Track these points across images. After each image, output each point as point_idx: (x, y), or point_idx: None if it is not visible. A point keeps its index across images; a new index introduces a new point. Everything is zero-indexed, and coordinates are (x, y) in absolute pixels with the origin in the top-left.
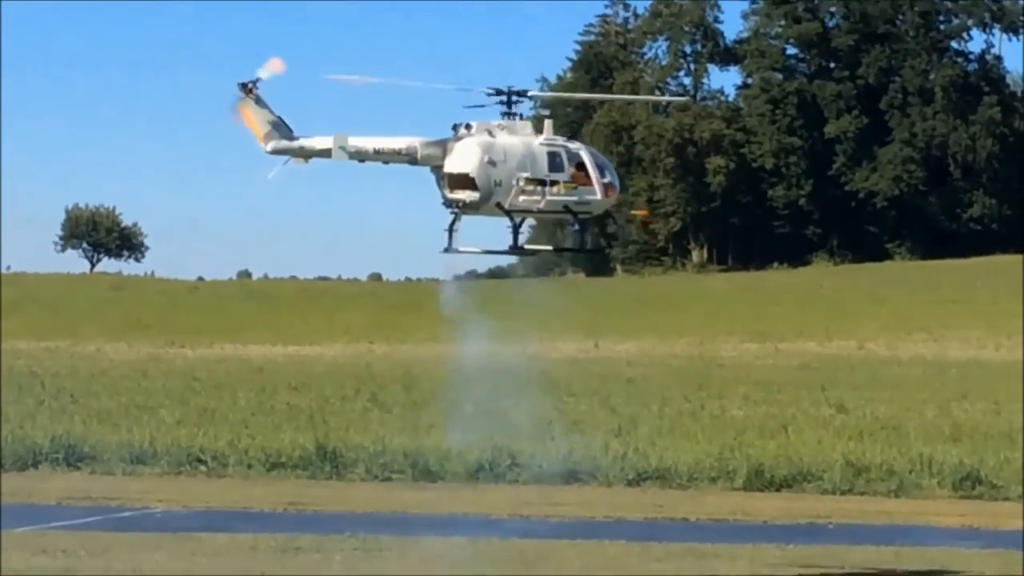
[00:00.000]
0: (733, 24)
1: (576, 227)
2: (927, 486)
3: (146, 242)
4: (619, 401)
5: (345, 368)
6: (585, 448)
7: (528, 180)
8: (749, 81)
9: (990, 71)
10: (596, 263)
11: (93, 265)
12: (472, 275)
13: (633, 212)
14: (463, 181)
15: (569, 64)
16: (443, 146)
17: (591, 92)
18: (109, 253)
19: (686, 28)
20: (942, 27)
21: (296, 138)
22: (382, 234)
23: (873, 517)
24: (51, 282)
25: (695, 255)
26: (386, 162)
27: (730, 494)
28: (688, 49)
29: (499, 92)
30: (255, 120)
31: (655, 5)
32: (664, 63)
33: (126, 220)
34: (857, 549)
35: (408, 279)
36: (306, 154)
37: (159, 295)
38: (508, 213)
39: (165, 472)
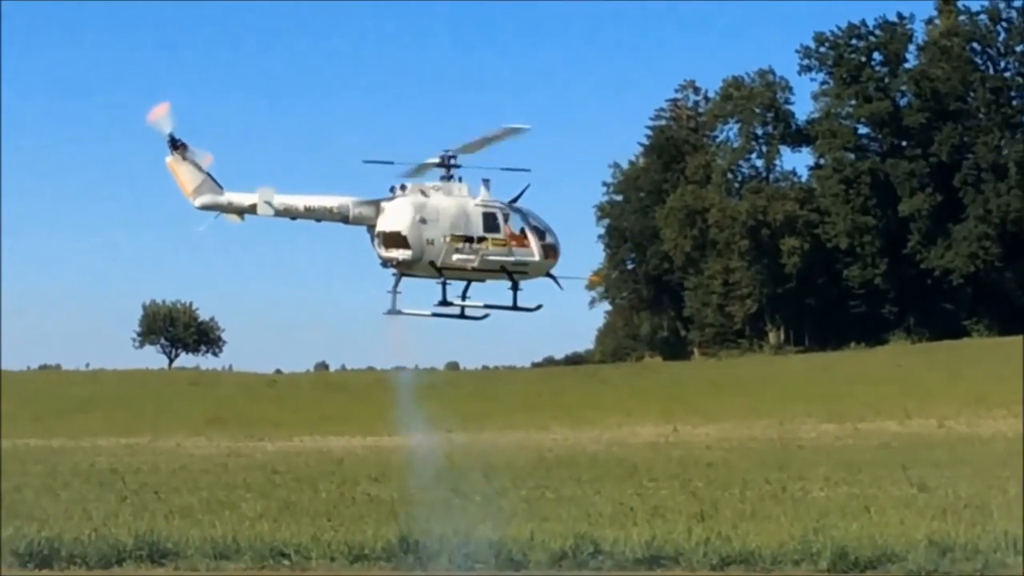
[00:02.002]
0: (804, 105)
1: (511, 287)
2: (1013, 564)
3: (223, 336)
4: (700, 485)
5: (424, 458)
6: (668, 533)
7: (459, 239)
8: (821, 161)
9: None
10: (673, 347)
11: (171, 360)
12: (549, 361)
13: (591, 278)
14: (396, 240)
15: (641, 149)
16: (376, 205)
17: (663, 176)
18: (187, 348)
19: (757, 110)
20: (1014, 102)
21: (224, 193)
22: (458, 323)
23: None
24: (130, 378)
25: (772, 336)
26: (318, 219)
27: None
28: (759, 131)
29: (442, 159)
30: (183, 176)
31: (725, 88)
32: (736, 145)
33: (203, 315)
34: None
35: (485, 367)
36: (235, 209)
37: (237, 389)
38: (440, 271)
39: (249, 567)
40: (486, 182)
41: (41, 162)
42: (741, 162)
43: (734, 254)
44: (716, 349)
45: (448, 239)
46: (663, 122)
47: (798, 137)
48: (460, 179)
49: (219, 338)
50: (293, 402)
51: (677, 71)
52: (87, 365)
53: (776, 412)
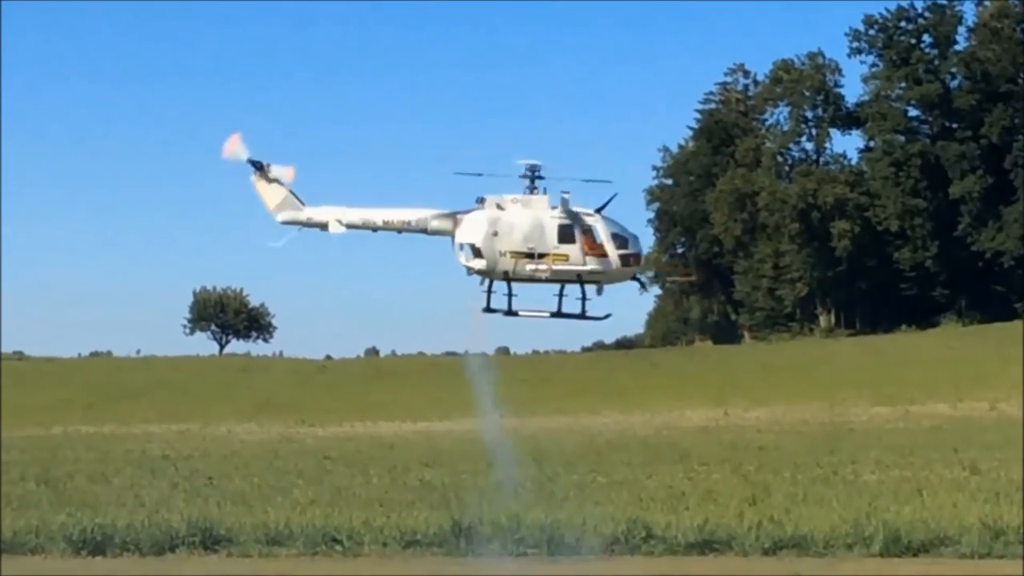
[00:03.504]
0: (854, 87)
1: (580, 295)
2: None
3: (274, 322)
4: (751, 469)
5: (475, 443)
6: (719, 517)
7: (522, 254)
8: (871, 144)
9: None
10: (723, 331)
11: (222, 347)
12: (599, 345)
13: (675, 278)
14: (472, 251)
15: (690, 133)
16: (453, 218)
17: (713, 160)
18: (237, 334)
19: (807, 93)
20: None
21: (304, 209)
22: None
23: None
24: (181, 365)
25: (822, 320)
26: (399, 231)
27: (867, 560)
28: (809, 114)
29: (527, 171)
30: (266, 194)
31: (775, 71)
32: (786, 129)
33: (253, 301)
34: None
35: (535, 352)
36: (314, 224)
37: (288, 375)
38: (508, 280)
39: (301, 553)
40: (565, 194)
41: (91, 148)
42: (791, 145)
43: (784, 237)
44: (766, 333)
45: (511, 254)
46: (712, 105)
47: (848, 120)
48: (545, 190)
49: (269, 324)
50: (343, 388)
51: (727, 54)
52: (138, 352)
53: (827, 395)
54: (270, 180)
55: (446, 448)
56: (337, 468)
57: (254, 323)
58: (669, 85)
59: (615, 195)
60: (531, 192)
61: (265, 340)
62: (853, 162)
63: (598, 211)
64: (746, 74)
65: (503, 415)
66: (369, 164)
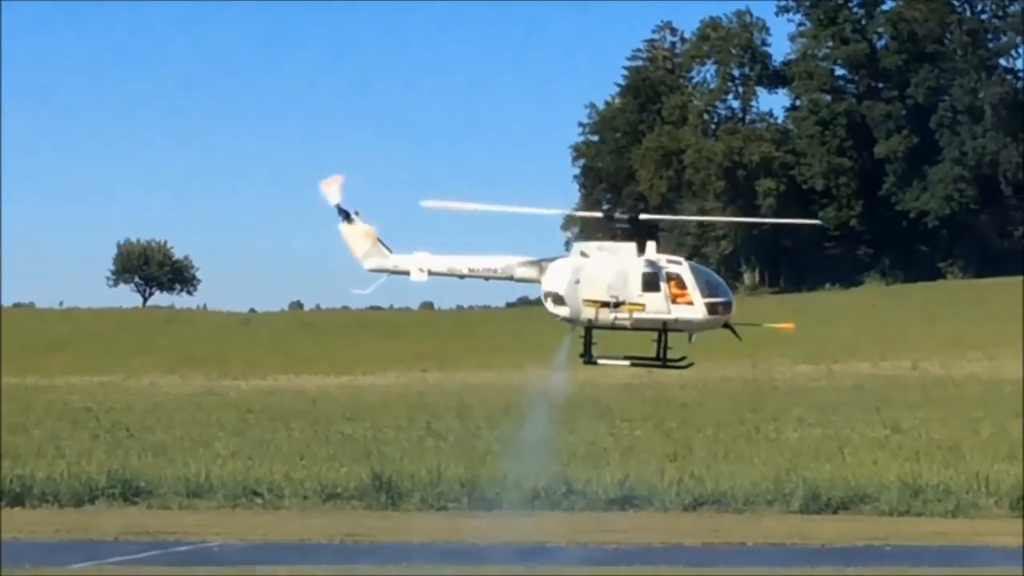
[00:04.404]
0: (781, 46)
1: (660, 341)
2: (984, 506)
3: (198, 275)
4: (673, 426)
5: (398, 398)
6: (641, 474)
7: (597, 303)
8: (798, 103)
9: None
10: None
11: (146, 299)
12: (524, 301)
13: (777, 326)
14: (556, 299)
15: (617, 89)
16: (539, 266)
17: (639, 117)
18: (161, 287)
19: (734, 51)
20: (990, 45)
21: (390, 256)
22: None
23: (930, 538)
24: (104, 317)
25: (746, 278)
26: (485, 279)
27: (787, 517)
28: (736, 72)
29: (608, 216)
30: (353, 241)
31: (702, 29)
32: (712, 86)
33: (177, 253)
34: (915, 571)
35: (460, 307)
36: (400, 271)
37: (212, 328)
38: (588, 328)
39: (221, 505)
40: (655, 241)
41: (12, 97)
42: (717, 103)
43: (709, 195)
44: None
45: (591, 302)
46: (640, 63)
47: (775, 78)
48: (630, 237)
49: (194, 277)
50: (267, 341)
51: (655, 12)
52: (61, 304)
53: (750, 353)
54: (355, 227)
55: (369, 402)
56: (259, 421)
57: (178, 276)
58: (597, 42)
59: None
60: (617, 239)
61: (189, 293)
62: (779, 121)
63: (688, 259)
64: (673, 32)
65: (426, 370)
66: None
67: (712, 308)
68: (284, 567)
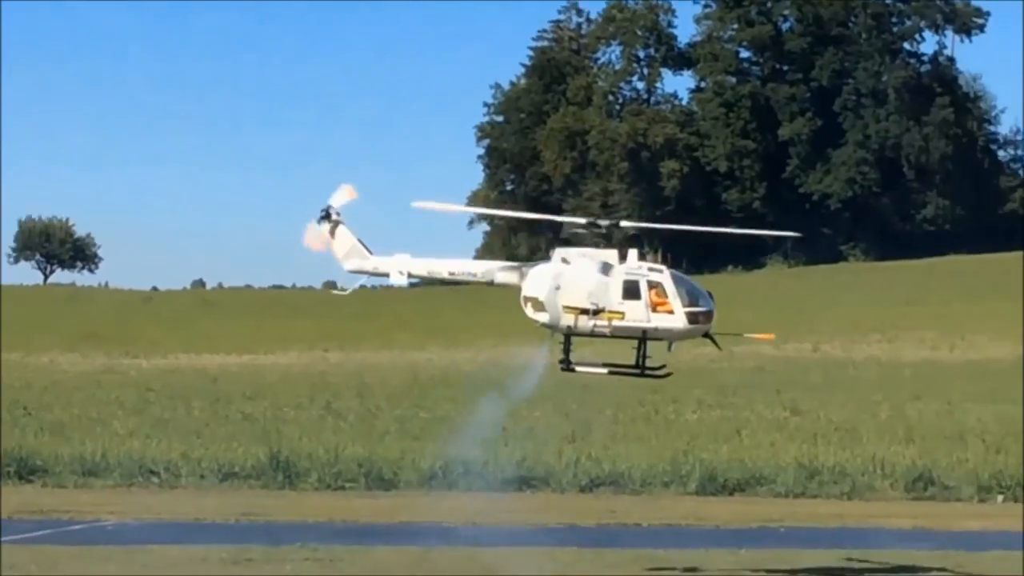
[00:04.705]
0: (686, 28)
1: (640, 349)
2: (880, 488)
3: (100, 253)
4: (573, 406)
5: (299, 377)
6: (538, 454)
7: (577, 309)
8: (702, 85)
9: (943, 72)
10: None
11: (47, 276)
12: (427, 281)
13: (757, 336)
14: (536, 304)
15: (523, 70)
16: (519, 271)
17: (544, 98)
18: (63, 264)
19: (639, 32)
20: (895, 29)
21: (370, 258)
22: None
23: (825, 520)
24: (4, 294)
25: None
26: (465, 284)
27: (683, 499)
28: (641, 53)
29: (591, 224)
30: (335, 243)
31: (608, 10)
32: (618, 68)
33: (79, 231)
34: (808, 553)
35: (363, 287)
36: (380, 273)
37: (113, 306)
38: (567, 336)
39: (117, 484)
40: (636, 249)
41: None
42: (622, 84)
43: (614, 176)
44: None
45: (571, 309)
46: (545, 43)
47: (680, 60)
48: (611, 244)
49: (95, 255)
50: (169, 319)
51: None
52: None
53: None
54: (339, 227)
55: (270, 381)
56: (159, 400)
57: (80, 253)
58: (502, 22)
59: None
60: (599, 247)
61: (91, 270)
62: (684, 102)
63: (669, 267)
64: (579, 12)
65: (327, 349)
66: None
67: (693, 317)
68: (177, 546)
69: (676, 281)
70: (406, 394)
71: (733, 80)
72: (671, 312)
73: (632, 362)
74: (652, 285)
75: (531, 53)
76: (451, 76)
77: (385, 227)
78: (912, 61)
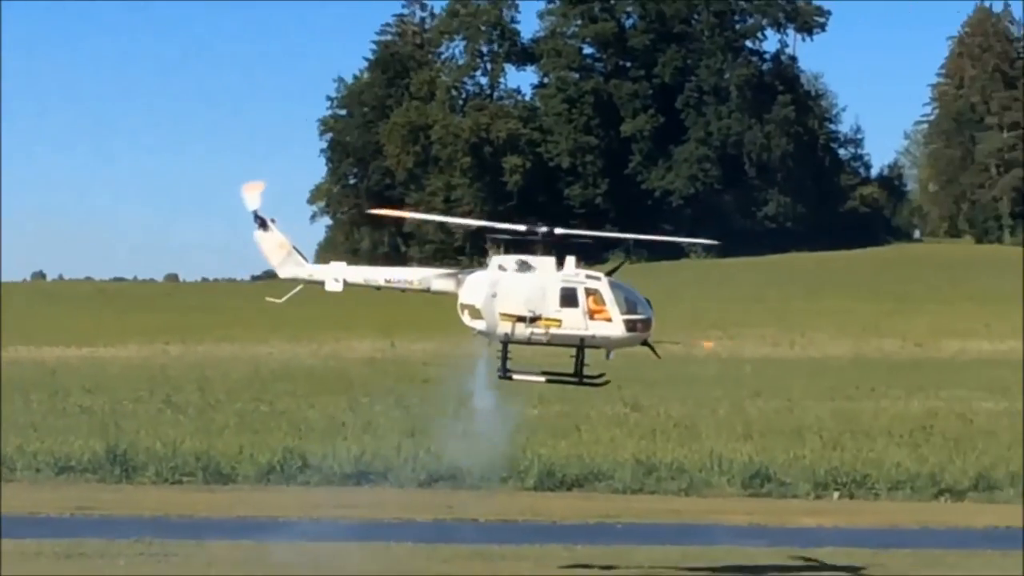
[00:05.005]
0: (530, 24)
1: (578, 356)
2: (717, 484)
3: None
4: (414, 401)
5: (139, 370)
6: (378, 449)
7: (513, 317)
8: (546, 80)
9: (784, 70)
10: (392, 263)
11: None
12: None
13: (704, 343)
14: (472, 312)
15: (366, 64)
16: (455, 278)
17: (388, 92)
18: None
19: (483, 28)
20: (737, 27)
21: (305, 266)
22: (179, 235)
23: (662, 516)
24: None
25: (492, 254)
26: (403, 291)
27: (521, 494)
28: (485, 48)
29: (530, 230)
30: (269, 250)
31: (452, 5)
32: (461, 63)
33: None
34: (643, 549)
35: (205, 280)
36: (316, 281)
37: None
38: (505, 344)
39: None
40: (573, 256)
41: None
42: (466, 79)
43: (456, 171)
44: (436, 265)
45: (508, 316)
46: (388, 37)
47: (523, 55)
48: (550, 252)
49: None
50: (8, 311)
51: None
52: None
53: None
54: (271, 235)
55: (110, 374)
56: None
57: None
58: (346, 16)
59: (623, 263)
60: (537, 254)
61: None
62: (527, 98)
63: (608, 275)
64: (423, 7)
65: (168, 342)
66: None
67: (631, 325)
68: (10, 540)
69: (614, 288)
70: (247, 388)
71: (576, 76)
72: (609, 320)
73: (572, 370)
74: (590, 292)
75: (374, 47)
76: (294, 70)
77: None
78: (754, 59)
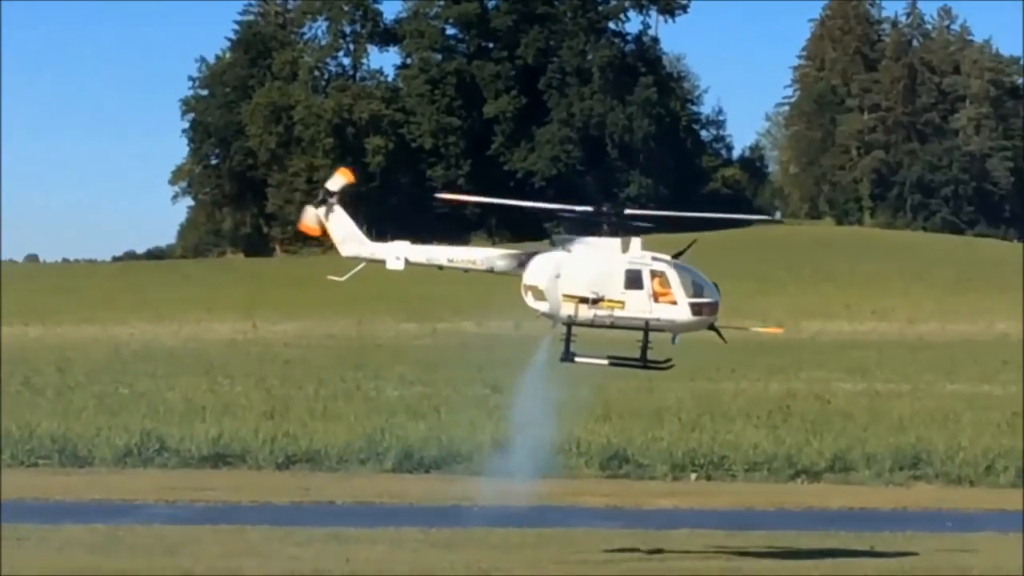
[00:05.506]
0: (393, 4)
1: (644, 342)
2: (575, 466)
3: None
4: (275, 383)
5: None
6: (236, 431)
7: (577, 298)
8: (408, 61)
9: (647, 52)
10: (255, 244)
11: None
12: (130, 256)
13: (765, 330)
14: (536, 293)
15: (228, 44)
16: (519, 259)
17: (250, 72)
18: None
19: (345, 8)
20: (600, 8)
21: (367, 245)
22: (39, 214)
23: (520, 498)
24: None
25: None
26: (465, 271)
27: (379, 476)
28: (348, 29)
29: (597, 211)
30: (332, 228)
31: None
32: (324, 43)
33: None
34: (499, 531)
35: (65, 260)
36: (378, 260)
37: None
38: (568, 325)
39: None
40: (638, 238)
41: None
42: (328, 60)
43: (319, 152)
44: (298, 247)
45: (571, 298)
46: (251, 17)
47: (386, 36)
48: (621, 233)
49: None
50: None
51: None
52: None
53: (356, 311)
54: (336, 213)
55: None
56: None
57: None
58: None
59: (695, 241)
60: (603, 235)
61: None
62: (389, 79)
63: (675, 257)
64: None
65: (27, 324)
66: None
67: (697, 309)
68: None
69: (680, 271)
70: (106, 369)
71: (439, 57)
72: (674, 303)
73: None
74: (655, 275)
75: (237, 27)
76: (156, 49)
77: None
78: (617, 41)
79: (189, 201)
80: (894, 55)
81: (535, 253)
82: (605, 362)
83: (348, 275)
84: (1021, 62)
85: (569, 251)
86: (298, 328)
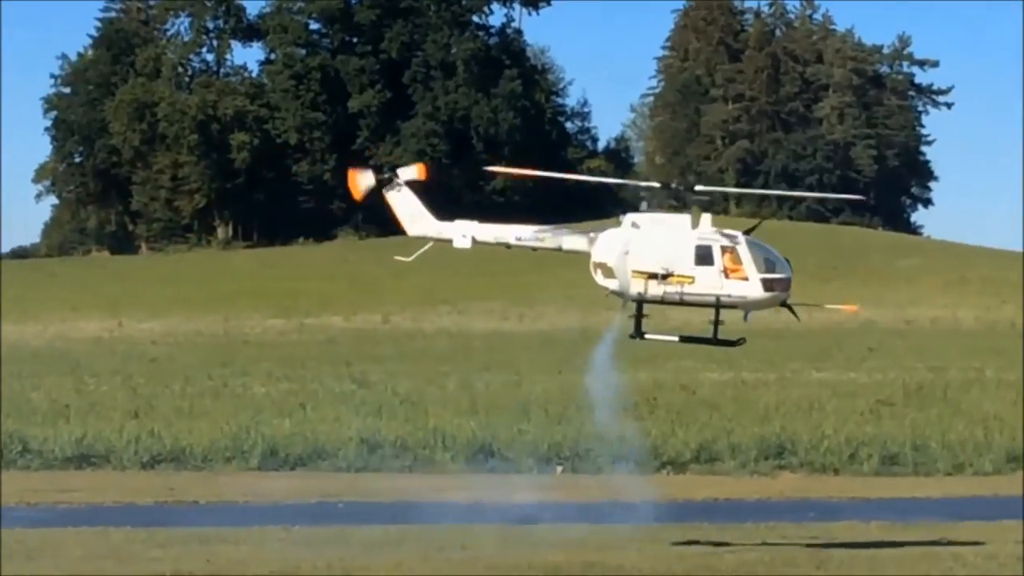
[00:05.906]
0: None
1: (715, 317)
2: (441, 460)
3: None
4: (141, 381)
5: None
6: (100, 431)
7: (645, 274)
8: (272, 57)
9: (511, 45)
10: (121, 242)
11: None
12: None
13: (840, 307)
14: (605, 271)
15: (90, 41)
16: (587, 237)
17: (113, 69)
18: None
19: (208, 4)
20: (464, 2)
21: (434, 223)
22: None
23: (385, 495)
24: None
25: (220, 232)
26: (534, 249)
27: (244, 474)
28: (211, 25)
29: (664, 186)
30: (398, 207)
31: None
32: (187, 39)
33: None
34: (363, 529)
35: None
36: (445, 239)
37: None
38: (639, 302)
39: None
40: (707, 214)
41: None
42: (192, 56)
43: (183, 148)
44: (164, 244)
45: (640, 274)
46: (113, 14)
47: (249, 32)
48: (685, 208)
49: None
50: None
51: None
52: None
53: (223, 307)
54: (401, 191)
55: None
56: None
57: None
58: None
59: (762, 220)
60: (673, 211)
61: None
62: (253, 74)
63: (746, 233)
64: None
65: None
66: None
67: (769, 285)
68: None
69: (752, 247)
70: None
71: (303, 52)
72: (745, 279)
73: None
74: (726, 250)
75: (99, 24)
76: (16, 47)
77: None
78: (481, 34)
79: (53, 199)
80: (757, 45)
81: (604, 230)
82: (676, 339)
83: (415, 255)
84: (883, 50)
85: (638, 227)
86: (164, 326)
